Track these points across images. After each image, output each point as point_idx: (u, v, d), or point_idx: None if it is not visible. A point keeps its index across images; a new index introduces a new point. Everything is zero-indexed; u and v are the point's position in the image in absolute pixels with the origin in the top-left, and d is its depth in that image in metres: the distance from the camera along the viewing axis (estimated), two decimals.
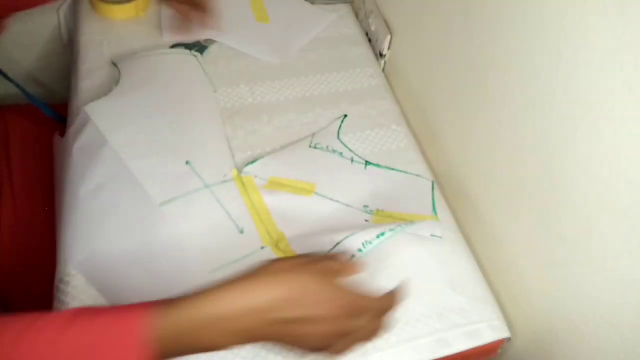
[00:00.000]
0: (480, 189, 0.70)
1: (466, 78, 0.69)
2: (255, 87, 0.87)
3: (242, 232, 0.68)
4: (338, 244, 0.64)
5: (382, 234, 0.66)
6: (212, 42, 0.92)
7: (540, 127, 0.56)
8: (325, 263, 0.51)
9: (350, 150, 0.79)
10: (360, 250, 0.64)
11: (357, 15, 1.02)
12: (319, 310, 0.47)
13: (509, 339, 0.66)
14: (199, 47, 0.90)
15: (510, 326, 0.66)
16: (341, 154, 0.78)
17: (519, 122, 0.60)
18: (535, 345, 0.64)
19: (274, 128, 0.82)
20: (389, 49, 0.90)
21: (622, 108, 0.46)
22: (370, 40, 0.97)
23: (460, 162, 0.74)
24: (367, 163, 0.78)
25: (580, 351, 0.57)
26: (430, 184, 0.77)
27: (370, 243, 0.65)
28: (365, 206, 0.72)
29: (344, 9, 1.02)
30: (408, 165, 0.79)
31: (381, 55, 0.92)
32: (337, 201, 0.72)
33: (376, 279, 0.67)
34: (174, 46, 0.90)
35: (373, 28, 0.94)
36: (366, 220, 0.70)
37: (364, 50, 0.95)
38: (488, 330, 0.65)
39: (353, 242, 0.64)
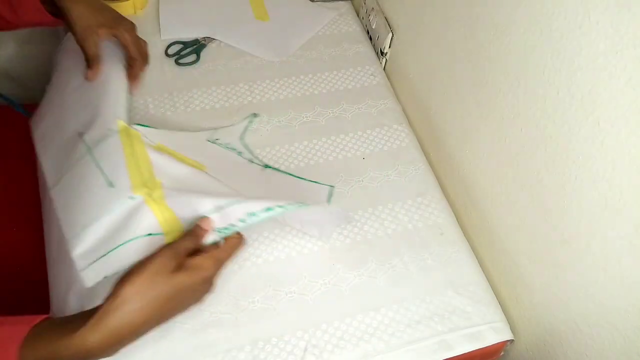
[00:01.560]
0: (483, 189, 0.70)
1: (468, 77, 0.68)
2: (254, 86, 0.86)
3: (111, 185, 0.61)
4: (221, 208, 0.58)
5: (270, 209, 0.59)
6: (210, 40, 0.92)
7: (542, 126, 0.56)
8: (175, 250, 0.55)
9: (251, 152, 0.75)
10: (242, 220, 0.59)
11: (357, 13, 1.01)
12: (206, 282, 0.56)
13: (511, 341, 0.65)
14: (198, 46, 0.90)
15: (513, 328, 0.66)
16: (240, 153, 0.75)
17: (521, 121, 0.59)
18: (537, 347, 0.64)
19: (274, 127, 0.81)
20: (389, 47, 0.90)
21: (626, 107, 0.45)
22: (370, 38, 0.96)
23: (461, 161, 0.73)
24: (266, 166, 0.75)
25: (583, 353, 0.57)
26: (328, 190, 0.74)
27: (255, 215, 0.59)
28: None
29: (345, 7, 1.01)
30: (409, 165, 0.78)
31: (382, 53, 0.91)
32: (227, 185, 0.66)
33: (378, 278, 0.67)
34: (171, 44, 0.90)
35: (374, 26, 0.93)
36: None
37: (365, 48, 0.94)
38: (490, 332, 0.64)
39: (237, 210, 0.59)
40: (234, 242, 0.59)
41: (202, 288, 0.56)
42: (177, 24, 0.94)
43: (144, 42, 0.78)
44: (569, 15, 0.49)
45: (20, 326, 0.49)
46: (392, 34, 0.88)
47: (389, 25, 0.89)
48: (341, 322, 0.63)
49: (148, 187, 0.60)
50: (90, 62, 0.73)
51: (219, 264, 0.57)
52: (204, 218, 0.58)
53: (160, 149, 0.67)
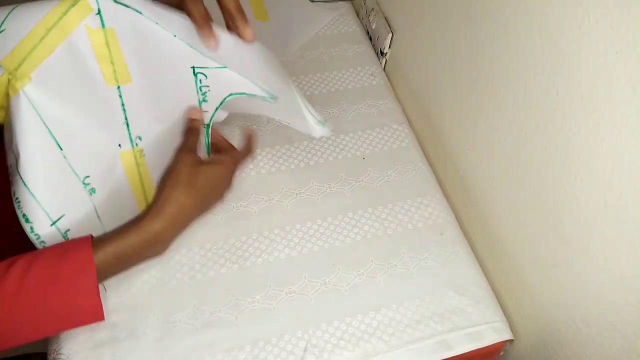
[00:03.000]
0: (482, 189, 0.70)
1: (468, 77, 0.68)
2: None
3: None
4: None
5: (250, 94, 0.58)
6: None
7: (543, 126, 0.56)
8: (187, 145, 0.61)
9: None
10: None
11: (357, 13, 1.01)
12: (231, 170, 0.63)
13: (511, 341, 0.65)
14: None
15: (513, 328, 0.66)
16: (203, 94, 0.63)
17: (521, 121, 0.59)
18: (537, 347, 0.64)
19: (274, 127, 0.81)
20: (389, 47, 0.90)
21: (626, 107, 0.45)
22: (370, 39, 0.96)
23: (461, 161, 0.73)
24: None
25: (582, 353, 0.57)
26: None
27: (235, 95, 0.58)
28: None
29: (344, 7, 1.01)
30: (409, 165, 0.78)
31: (382, 53, 0.91)
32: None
33: (378, 278, 0.67)
34: None
35: (374, 26, 0.93)
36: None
37: (365, 48, 0.94)
38: (490, 332, 0.64)
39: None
40: (248, 145, 0.67)
41: (224, 183, 0.62)
42: None
43: None
44: (569, 15, 0.49)
45: (81, 238, 0.55)
46: (392, 34, 0.88)
47: (388, 25, 0.89)
48: (341, 322, 0.63)
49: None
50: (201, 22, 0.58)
51: (236, 162, 0.64)
52: (190, 109, 0.61)
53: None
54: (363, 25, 0.98)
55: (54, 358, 0.59)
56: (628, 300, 0.50)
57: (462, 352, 0.63)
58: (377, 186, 0.76)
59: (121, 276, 0.64)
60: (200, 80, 0.60)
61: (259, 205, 0.73)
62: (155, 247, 0.56)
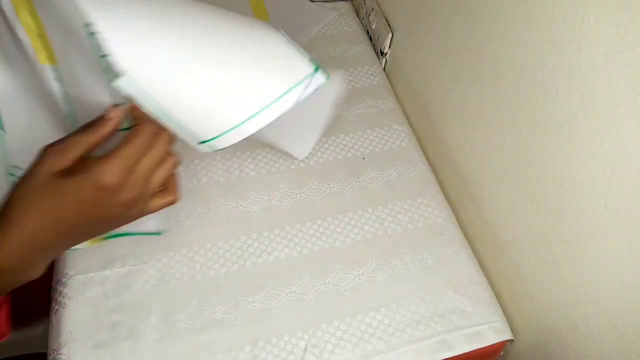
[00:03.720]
0: (483, 189, 0.70)
1: (468, 77, 0.68)
2: None
3: None
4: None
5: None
6: None
7: (543, 126, 0.56)
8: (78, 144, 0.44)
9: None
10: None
11: (357, 13, 1.01)
12: (108, 195, 0.44)
13: (511, 341, 0.65)
14: None
15: (513, 328, 0.66)
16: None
17: (521, 121, 0.59)
18: (537, 347, 0.64)
19: None
20: (389, 47, 0.90)
21: (626, 107, 0.45)
22: (370, 39, 0.96)
23: (462, 161, 0.73)
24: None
25: (582, 353, 0.57)
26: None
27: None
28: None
29: (344, 7, 1.01)
30: (409, 165, 0.78)
31: (382, 53, 0.91)
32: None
33: (378, 278, 0.67)
34: None
35: (374, 26, 0.93)
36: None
37: (365, 48, 0.94)
38: (490, 332, 0.64)
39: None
40: (146, 130, 0.45)
41: (115, 199, 0.44)
42: None
43: None
44: (569, 15, 0.49)
45: None
46: (392, 34, 0.88)
47: (388, 25, 0.89)
48: (341, 322, 0.63)
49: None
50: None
51: (128, 164, 0.44)
52: (113, 106, 0.45)
53: None
54: (363, 25, 0.98)
55: (53, 358, 0.59)
56: (628, 300, 0.50)
57: (462, 352, 0.63)
58: (377, 186, 0.76)
59: (120, 276, 0.64)
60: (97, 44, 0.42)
61: (259, 205, 0.73)
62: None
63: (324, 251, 0.69)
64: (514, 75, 0.59)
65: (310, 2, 1.01)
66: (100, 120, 0.45)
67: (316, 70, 0.51)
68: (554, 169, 0.55)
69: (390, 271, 0.68)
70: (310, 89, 0.50)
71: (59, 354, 0.58)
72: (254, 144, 0.78)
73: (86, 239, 0.48)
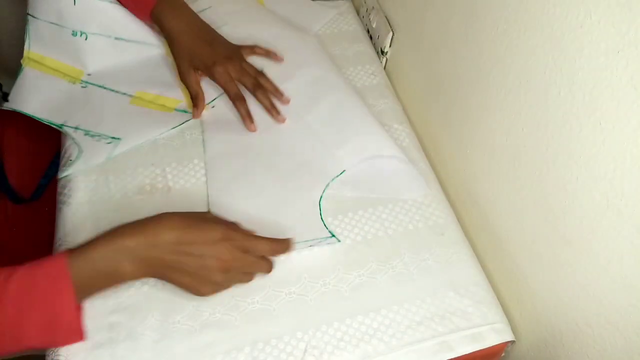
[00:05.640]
0: (484, 189, 0.69)
1: (469, 76, 0.68)
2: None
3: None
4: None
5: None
6: None
7: (544, 126, 0.55)
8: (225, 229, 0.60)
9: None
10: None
11: (357, 12, 1.00)
12: (210, 247, 0.57)
13: (512, 342, 0.65)
14: None
15: (514, 329, 0.66)
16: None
17: (522, 120, 0.59)
18: (539, 348, 0.64)
19: None
20: (390, 46, 0.89)
21: (627, 106, 0.45)
22: (371, 38, 0.96)
23: (462, 161, 0.73)
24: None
25: (584, 354, 0.57)
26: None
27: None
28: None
29: (344, 5, 1.01)
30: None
31: (382, 52, 0.91)
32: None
33: (378, 279, 0.66)
34: None
35: (374, 25, 0.93)
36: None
37: (365, 47, 0.94)
38: (491, 333, 0.64)
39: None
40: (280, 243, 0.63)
41: (204, 277, 0.58)
42: None
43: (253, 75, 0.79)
44: (570, 14, 0.49)
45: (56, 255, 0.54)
46: (393, 33, 0.88)
47: (389, 24, 0.89)
48: (341, 323, 0.63)
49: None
50: (195, 100, 0.77)
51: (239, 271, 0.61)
52: (289, 240, 0.63)
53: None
54: (363, 24, 0.98)
55: (52, 359, 0.58)
56: (629, 300, 0.49)
57: (463, 354, 0.62)
58: None
59: None
60: None
61: None
62: (124, 267, 0.55)
63: (324, 251, 0.68)
64: (515, 75, 0.58)
65: (311, 1, 1.01)
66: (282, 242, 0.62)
67: (332, 235, 0.69)
68: (555, 168, 0.55)
69: (390, 272, 0.67)
70: (321, 245, 0.68)
71: (57, 354, 0.58)
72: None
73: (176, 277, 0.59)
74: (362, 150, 0.74)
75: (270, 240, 0.61)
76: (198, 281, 0.58)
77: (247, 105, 0.77)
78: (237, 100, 0.77)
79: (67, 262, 0.52)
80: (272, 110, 0.78)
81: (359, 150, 0.74)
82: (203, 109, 0.78)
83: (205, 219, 0.60)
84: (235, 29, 0.86)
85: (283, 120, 0.78)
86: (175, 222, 0.56)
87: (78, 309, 0.53)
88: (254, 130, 0.76)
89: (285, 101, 0.79)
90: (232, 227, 0.60)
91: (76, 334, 0.54)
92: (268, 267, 0.62)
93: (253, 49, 0.82)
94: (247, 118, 0.77)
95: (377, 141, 0.76)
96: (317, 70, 0.83)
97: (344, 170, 0.73)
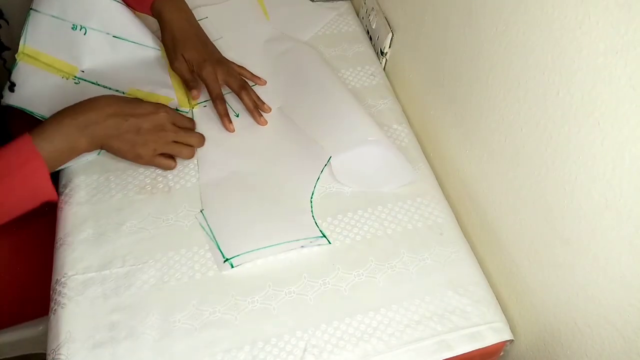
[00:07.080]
0: (483, 189, 0.69)
1: (468, 77, 0.68)
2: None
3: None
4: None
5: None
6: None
7: (543, 126, 0.56)
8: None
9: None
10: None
11: (357, 13, 1.01)
12: (145, 116, 0.69)
13: (511, 341, 0.65)
14: None
15: (513, 328, 0.66)
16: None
17: (521, 121, 0.59)
18: (537, 347, 0.64)
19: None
20: (389, 47, 0.90)
21: (626, 107, 0.45)
22: (370, 38, 0.96)
23: (462, 161, 0.73)
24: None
25: (583, 353, 0.57)
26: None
27: None
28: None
29: (344, 6, 1.01)
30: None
31: (382, 53, 0.91)
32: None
33: (377, 278, 0.66)
34: None
35: (374, 26, 0.93)
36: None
37: (365, 48, 0.94)
38: (490, 332, 0.64)
39: None
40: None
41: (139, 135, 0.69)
42: None
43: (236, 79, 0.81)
44: (569, 15, 0.49)
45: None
46: (392, 34, 0.88)
47: (389, 25, 0.89)
48: (341, 322, 0.63)
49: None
50: (191, 83, 0.81)
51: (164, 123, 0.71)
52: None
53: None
54: (363, 25, 0.98)
55: (53, 358, 0.58)
56: (628, 300, 0.49)
57: (462, 353, 0.62)
58: None
59: (120, 276, 0.64)
60: None
61: None
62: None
63: (324, 251, 0.69)
64: (514, 75, 0.58)
65: (310, 2, 1.01)
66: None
67: (323, 236, 0.70)
68: (554, 168, 0.55)
69: (389, 271, 0.67)
70: (312, 245, 0.69)
71: (58, 354, 0.58)
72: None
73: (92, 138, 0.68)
74: (348, 141, 0.75)
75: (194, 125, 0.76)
76: (136, 145, 0.69)
77: (226, 106, 0.80)
78: (217, 100, 0.79)
79: (34, 145, 0.63)
80: (254, 112, 0.80)
81: (345, 140, 0.75)
82: (200, 89, 0.80)
83: (140, 100, 0.71)
84: (229, 44, 0.90)
85: (265, 123, 0.80)
86: (112, 99, 0.68)
87: (50, 179, 0.65)
88: (233, 131, 0.79)
89: (267, 109, 0.81)
90: (163, 106, 0.72)
91: (52, 197, 0.66)
92: (198, 140, 0.74)
93: (241, 69, 0.84)
94: (225, 117, 0.79)
95: (363, 127, 0.76)
96: (314, 85, 0.84)
97: (330, 157, 0.74)
